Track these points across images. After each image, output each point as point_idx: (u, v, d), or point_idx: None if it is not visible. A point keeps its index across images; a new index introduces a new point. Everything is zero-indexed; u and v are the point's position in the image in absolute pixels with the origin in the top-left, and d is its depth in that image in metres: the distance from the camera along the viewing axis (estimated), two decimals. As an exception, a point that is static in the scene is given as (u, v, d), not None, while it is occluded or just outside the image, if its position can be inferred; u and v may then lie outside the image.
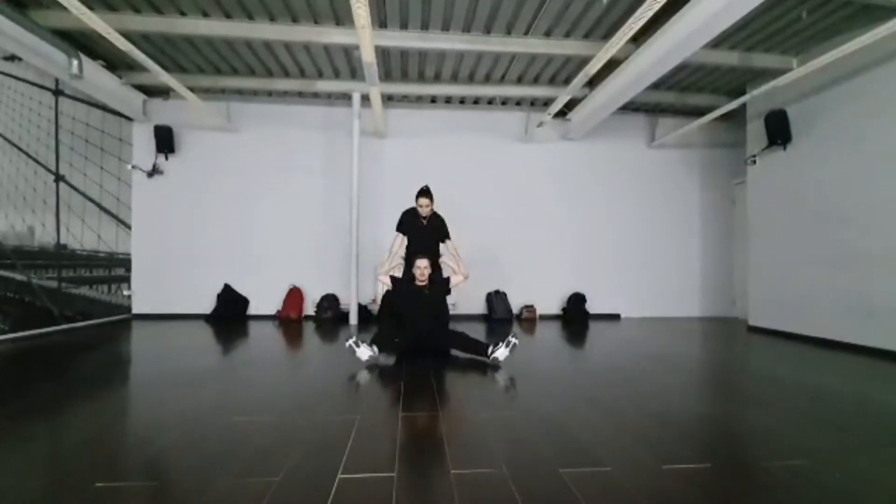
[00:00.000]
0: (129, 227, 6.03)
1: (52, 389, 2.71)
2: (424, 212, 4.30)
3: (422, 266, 3.74)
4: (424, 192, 4.29)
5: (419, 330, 3.67)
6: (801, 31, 4.40)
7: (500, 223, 6.44)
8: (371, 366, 3.28)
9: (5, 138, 4.38)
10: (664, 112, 6.68)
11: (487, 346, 3.41)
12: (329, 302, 5.99)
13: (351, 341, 3.37)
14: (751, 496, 1.51)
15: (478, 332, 5.08)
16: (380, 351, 3.43)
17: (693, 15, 3.58)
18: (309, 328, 5.40)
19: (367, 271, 6.13)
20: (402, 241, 4.42)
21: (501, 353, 3.32)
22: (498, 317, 6.11)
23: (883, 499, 1.53)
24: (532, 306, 6.33)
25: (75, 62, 4.32)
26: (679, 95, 6.02)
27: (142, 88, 5.78)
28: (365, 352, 3.32)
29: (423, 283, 3.76)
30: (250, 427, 2.04)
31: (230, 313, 6.01)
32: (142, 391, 2.80)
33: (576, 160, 6.61)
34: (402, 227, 4.41)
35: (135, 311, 6.06)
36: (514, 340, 3.34)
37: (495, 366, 3.31)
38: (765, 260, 5.38)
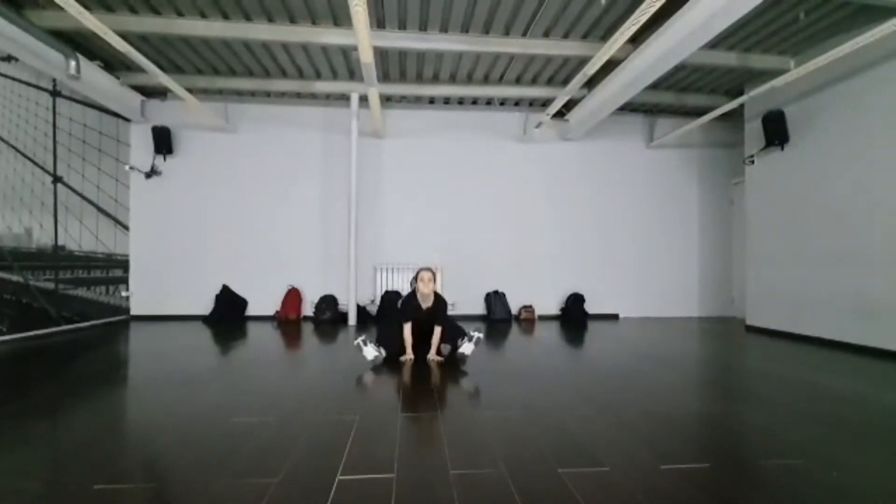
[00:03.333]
0: (126, 228, 6.02)
1: (50, 390, 2.70)
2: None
3: (426, 278, 3.57)
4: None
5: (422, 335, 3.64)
6: (798, 31, 4.41)
7: (499, 223, 6.45)
8: (376, 367, 3.29)
9: (3, 139, 4.36)
10: (662, 112, 6.69)
11: (463, 337, 3.59)
12: (327, 303, 5.98)
13: (359, 340, 3.41)
14: (749, 495, 1.51)
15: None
16: (385, 351, 3.49)
17: (691, 16, 3.59)
18: (308, 329, 5.39)
19: (365, 272, 6.13)
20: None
21: (467, 347, 3.49)
22: (497, 317, 6.11)
23: (880, 497, 1.54)
24: (531, 306, 6.33)
25: (73, 63, 4.31)
26: (677, 96, 6.03)
27: (139, 89, 5.77)
28: (371, 351, 3.36)
29: (427, 307, 3.65)
30: (249, 428, 2.03)
31: (229, 314, 5.99)
32: (140, 392, 2.79)
33: (574, 160, 6.62)
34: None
35: (133, 312, 6.04)
36: (476, 335, 3.48)
37: (462, 360, 3.47)
38: (763, 259, 5.40)
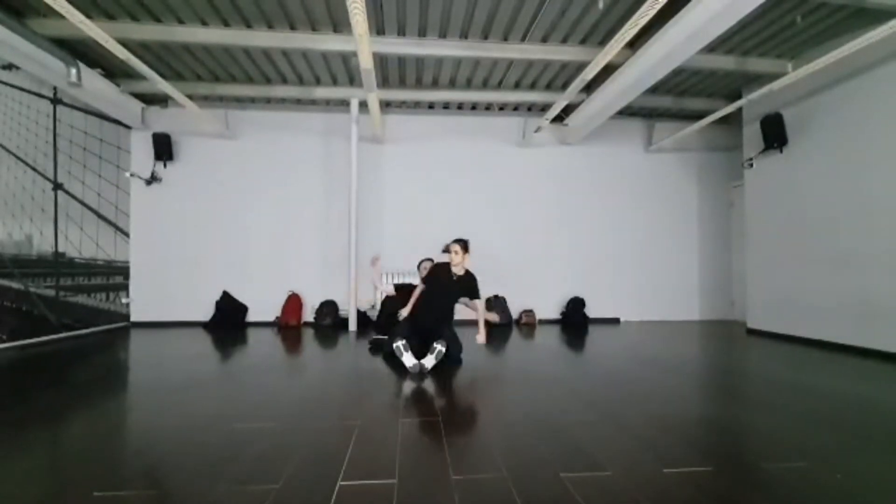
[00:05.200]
0: (127, 234, 6.02)
1: (50, 397, 2.69)
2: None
3: (455, 248, 3.70)
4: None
5: (431, 308, 3.74)
6: (795, 35, 4.44)
7: (499, 228, 6.45)
8: (377, 372, 3.26)
9: (3, 147, 4.38)
10: (661, 116, 6.71)
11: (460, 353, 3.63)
12: (328, 308, 5.97)
13: (399, 343, 3.37)
14: (752, 498, 1.50)
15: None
16: (392, 339, 3.50)
17: (689, 20, 3.61)
18: (308, 335, 5.38)
19: (365, 277, 6.12)
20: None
21: (428, 360, 3.35)
22: (497, 322, 6.09)
23: (883, 500, 1.53)
24: (531, 311, 6.32)
25: (73, 70, 4.33)
26: (676, 99, 6.05)
27: (140, 96, 5.79)
28: (410, 359, 3.32)
29: (459, 275, 3.74)
30: (250, 434, 2.03)
31: (229, 320, 5.99)
32: (141, 398, 2.78)
33: (573, 165, 6.63)
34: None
35: (133, 318, 6.03)
36: (438, 347, 3.38)
37: (423, 372, 3.28)
38: (763, 262, 5.39)
